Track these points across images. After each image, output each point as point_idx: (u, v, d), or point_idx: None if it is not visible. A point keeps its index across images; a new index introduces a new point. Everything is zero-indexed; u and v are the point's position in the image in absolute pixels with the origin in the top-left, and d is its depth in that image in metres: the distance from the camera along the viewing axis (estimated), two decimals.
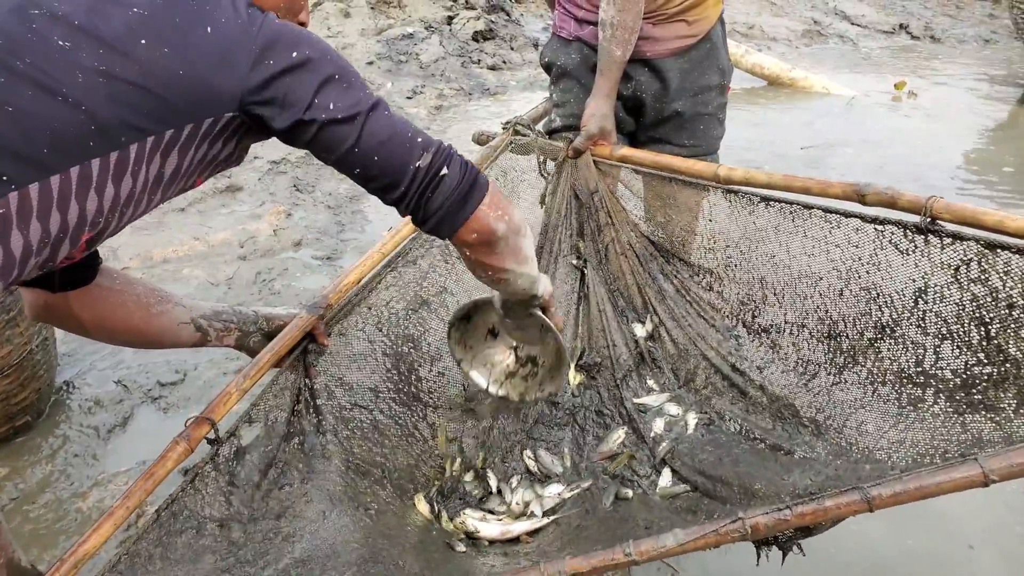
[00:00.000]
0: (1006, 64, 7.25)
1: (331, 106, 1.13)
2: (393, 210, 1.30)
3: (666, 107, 2.22)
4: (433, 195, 1.22)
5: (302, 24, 1.33)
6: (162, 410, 2.66)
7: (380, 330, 1.85)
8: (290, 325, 1.66)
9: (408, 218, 1.33)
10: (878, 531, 2.07)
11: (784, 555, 1.23)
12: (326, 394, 1.70)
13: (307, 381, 1.67)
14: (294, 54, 1.12)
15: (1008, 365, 1.21)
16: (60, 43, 0.99)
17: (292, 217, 4.06)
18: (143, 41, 1.03)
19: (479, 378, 1.84)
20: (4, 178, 0.96)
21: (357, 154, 1.17)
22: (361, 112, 1.15)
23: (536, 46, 7.12)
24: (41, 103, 0.97)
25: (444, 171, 1.22)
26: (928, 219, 1.32)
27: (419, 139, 1.21)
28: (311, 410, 1.66)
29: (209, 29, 1.07)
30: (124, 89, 1.02)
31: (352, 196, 4.31)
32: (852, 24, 8.72)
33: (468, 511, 1.66)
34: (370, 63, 6.29)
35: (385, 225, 3.76)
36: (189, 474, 1.45)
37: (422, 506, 1.66)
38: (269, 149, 4.67)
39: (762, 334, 1.77)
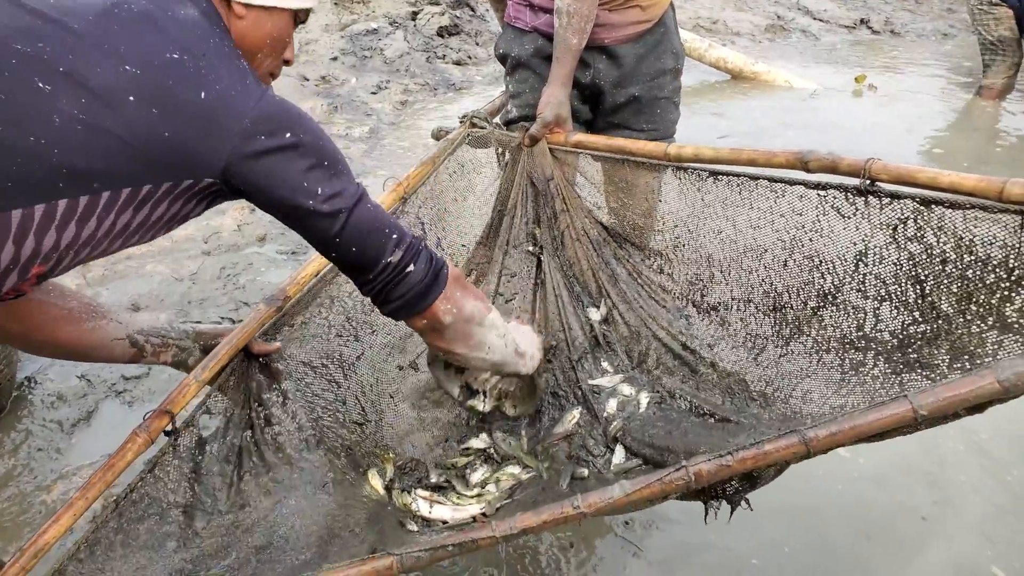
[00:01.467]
0: (963, 58, 7.40)
1: (318, 192, 1.16)
2: None
3: (623, 92, 2.24)
4: (396, 288, 1.30)
5: (287, 62, 1.36)
6: (127, 403, 2.64)
7: (345, 318, 1.87)
8: (248, 318, 1.67)
9: None
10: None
11: (732, 509, 1.24)
12: (285, 381, 1.71)
13: (260, 376, 1.67)
14: (287, 135, 1.12)
15: (940, 321, 1.23)
16: (39, 84, 0.98)
17: (256, 212, 4.03)
18: (131, 98, 1.02)
19: (478, 403, 1.83)
20: None
21: (337, 244, 1.22)
22: (347, 207, 1.19)
23: None
24: (9, 139, 0.96)
25: (410, 268, 1.29)
26: (867, 180, 1.34)
27: (394, 235, 1.27)
28: (268, 398, 1.66)
29: (203, 95, 1.07)
30: (104, 140, 1.01)
31: None
32: (814, 19, 8.85)
33: (419, 491, 1.65)
34: (334, 58, 6.27)
35: None
36: (148, 463, 1.45)
37: (375, 481, 1.66)
38: None
39: (711, 312, 1.80)
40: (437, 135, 2.31)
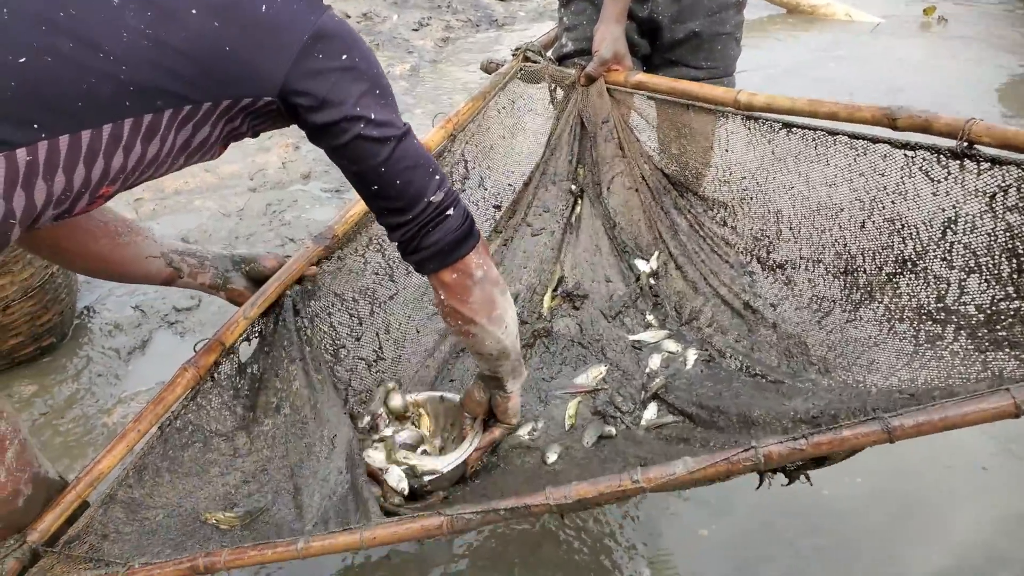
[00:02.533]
0: None
1: (371, 116, 1.13)
2: None
3: (683, 27, 2.13)
4: (432, 232, 1.25)
5: None
6: (178, 334, 2.70)
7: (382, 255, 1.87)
8: (296, 256, 1.68)
9: None
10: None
11: (790, 483, 1.21)
12: (323, 315, 1.72)
13: (302, 306, 1.68)
14: (343, 56, 1.11)
15: None
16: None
17: (300, 150, 4.02)
18: (194, 11, 1.01)
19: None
20: (35, 125, 0.95)
21: (382, 173, 1.19)
22: (395, 134, 1.17)
23: None
24: (80, 57, 0.95)
25: (450, 212, 1.25)
26: (965, 143, 1.24)
27: (437, 176, 1.24)
28: (305, 330, 1.67)
29: (264, 8, 1.05)
30: (168, 55, 1.00)
31: None
32: None
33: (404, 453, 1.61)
34: None
35: None
36: (191, 391, 1.47)
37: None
38: None
39: (776, 270, 1.73)
40: (487, 67, 2.24)
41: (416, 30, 5.75)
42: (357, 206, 1.79)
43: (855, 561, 1.85)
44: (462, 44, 5.68)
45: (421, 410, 1.73)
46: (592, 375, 1.80)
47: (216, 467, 1.45)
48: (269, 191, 3.63)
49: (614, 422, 1.67)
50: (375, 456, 1.56)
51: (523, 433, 1.67)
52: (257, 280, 1.65)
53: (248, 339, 1.61)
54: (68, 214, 1.10)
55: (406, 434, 1.68)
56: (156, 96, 1.02)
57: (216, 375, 1.50)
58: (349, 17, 5.67)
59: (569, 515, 1.94)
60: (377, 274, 1.86)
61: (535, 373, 1.84)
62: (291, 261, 1.66)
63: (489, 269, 1.35)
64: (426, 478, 1.51)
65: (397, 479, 1.49)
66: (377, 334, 1.84)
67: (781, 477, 1.22)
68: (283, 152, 3.96)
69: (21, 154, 0.95)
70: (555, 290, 1.98)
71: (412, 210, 1.23)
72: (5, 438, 1.21)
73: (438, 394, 1.74)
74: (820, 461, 1.12)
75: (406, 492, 1.48)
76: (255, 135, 1.23)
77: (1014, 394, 0.85)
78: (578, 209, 2.04)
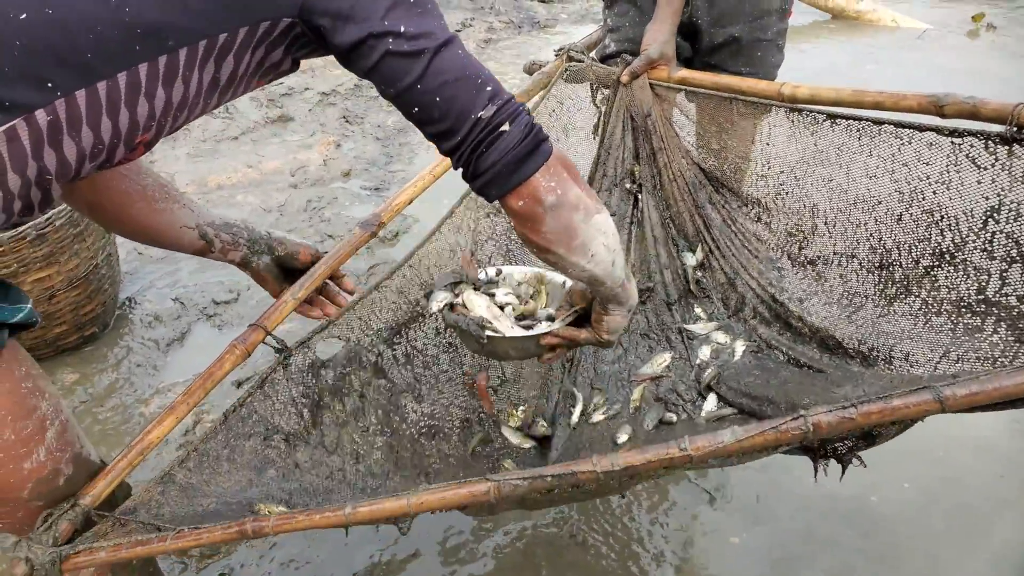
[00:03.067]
0: None
1: (401, 30, 1.02)
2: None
3: (722, 32, 2.13)
4: (488, 151, 1.11)
5: None
6: (216, 327, 2.74)
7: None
8: (344, 242, 1.68)
9: None
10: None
11: (843, 468, 1.20)
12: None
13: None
14: None
15: None
16: None
17: (341, 148, 4.07)
18: None
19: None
20: (49, 84, 0.92)
21: (419, 91, 1.06)
22: (430, 47, 1.04)
23: None
24: (81, 4, 0.92)
25: (505, 127, 1.10)
26: (1014, 127, 1.22)
27: (488, 87, 1.09)
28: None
29: None
30: None
31: (400, 128, 4.30)
32: None
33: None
34: None
35: (432, 158, 3.74)
36: (258, 379, 1.48)
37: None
38: (319, 80, 4.66)
39: (807, 266, 1.72)
40: (530, 69, 2.24)
41: (459, 31, 5.79)
42: (403, 195, 1.80)
43: (900, 567, 1.82)
44: (504, 45, 5.71)
45: (543, 287, 1.66)
46: (657, 363, 1.83)
47: (273, 468, 1.44)
48: (310, 188, 3.68)
49: (676, 409, 1.70)
50: (470, 298, 1.51)
51: (598, 415, 1.71)
52: (285, 268, 1.61)
53: (327, 336, 1.62)
54: (109, 164, 1.07)
55: (503, 292, 1.61)
56: (167, 35, 0.97)
57: (288, 365, 1.50)
58: None
59: (597, 520, 1.94)
60: None
61: (608, 367, 1.85)
62: (338, 246, 1.67)
63: (566, 192, 1.17)
64: (487, 332, 1.42)
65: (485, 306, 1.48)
66: None
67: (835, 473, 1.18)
68: (325, 150, 4.01)
69: (40, 115, 0.93)
70: None
71: (460, 131, 1.10)
72: (46, 419, 1.20)
73: (560, 279, 1.64)
74: (871, 440, 1.10)
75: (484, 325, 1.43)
76: (295, 65, 1.17)
77: None
78: (640, 205, 2.05)
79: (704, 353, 1.79)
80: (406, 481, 1.53)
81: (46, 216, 2.24)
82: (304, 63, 1.22)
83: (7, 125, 0.92)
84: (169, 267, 3.04)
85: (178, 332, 2.71)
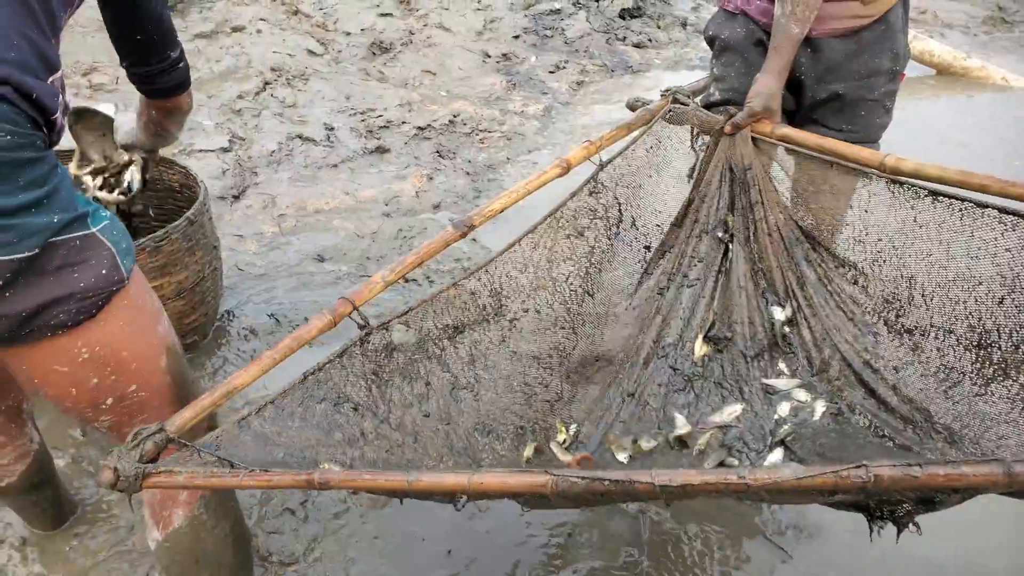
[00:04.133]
0: None
1: None
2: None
3: (826, 88, 2.14)
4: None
5: None
6: (307, 344, 2.85)
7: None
8: (436, 237, 1.79)
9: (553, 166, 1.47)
10: None
11: (899, 532, 1.19)
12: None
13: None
14: None
15: None
16: None
17: (433, 180, 4.21)
18: None
19: None
20: None
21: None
22: None
23: (684, 25, 6.97)
24: None
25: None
26: None
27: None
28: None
29: None
30: None
31: (489, 164, 4.42)
32: None
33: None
34: (516, 37, 6.35)
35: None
36: (341, 348, 1.57)
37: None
38: (416, 115, 4.83)
39: (904, 335, 1.73)
40: (633, 105, 2.30)
41: (552, 72, 5.91)
42: (497, 202, 1.88)
43: None
44: (595, 88, 5.79)
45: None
46: (728, 412, 1.85)
47: (340, 432, 1.51)
48: (401, 217, 3.81)
49: (739, 456, 1.72)
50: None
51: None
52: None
53: (408, 325, 1.70)
54: None
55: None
56: None
57: (366, 342, 1.59)
58: (490, 57, 5.90)
59: (668, 569, 1.94)
60: None
61: (680, 412, 1.89)
62: (431, 242, 1.77)
63: None
64: None
65: None
66: None
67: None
68: (418, 182, 4.16)
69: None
70: (707, 336, 2.02)
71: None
72: (159, 309, 1.46)
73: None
74: (931, 505, 1.09)
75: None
76: None
77: None
78: (730, 255, 2.08)
79: (783, 409, 1.81)
80: (459, 467, 1.61)
81: (164, 230, 2.40)
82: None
83: None
84: (267, 284, 3.20)
85: (271, 346, 2.84)
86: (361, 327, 1.58)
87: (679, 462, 1.71)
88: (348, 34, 5.78)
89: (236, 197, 3.82)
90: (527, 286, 1.94)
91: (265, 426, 1.41)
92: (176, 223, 2.43)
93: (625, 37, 6.66)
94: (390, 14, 6.11)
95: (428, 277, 3.29)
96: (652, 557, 1.98)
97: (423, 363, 1.70)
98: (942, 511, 1.15)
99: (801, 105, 2.23)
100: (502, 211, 1.94)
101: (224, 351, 2.81)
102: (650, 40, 6.73)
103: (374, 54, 5.65)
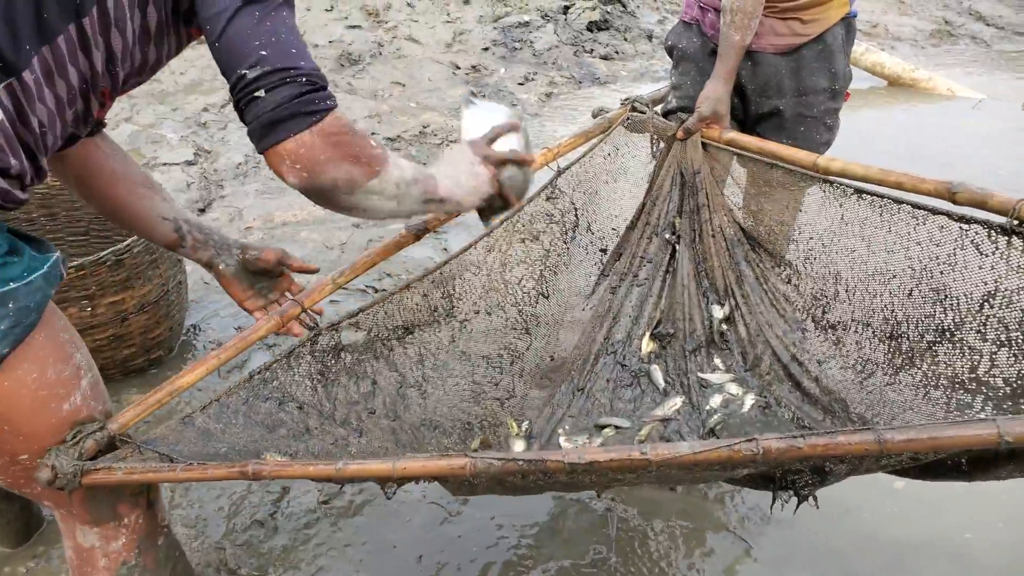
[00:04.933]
0: None
1: None
2: None
3: (767, 103, 2.22)
4: (246, 111, 1.14)
5: None
6: (274, 357, 2.89)
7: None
8: (390, 239, 1.81)
9: None
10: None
11: (799, 503, 1.24)
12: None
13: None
14: None
15: None
16: None
17: None
18: None
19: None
20: (27, 47, 1.07)
21: (209, 30, 1.14)
22: (240, 3, 1.10)
23: (650, 38, 7.11)
24: None
25: (260, 93, 1.11)
26: (1015, 221, 1.31)
27: (265, 51, 1.10)
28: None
29: None
30: None
31: None
32: (987, 25, 8.20)
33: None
34: (485, 49, 6.44)
35: None
36: (288, 349, 1.60)
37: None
38: (386, 126, 4.88)
39: (828, 330, 1.79)
40: (596, 114, 2.37)
41: (521, 84, 6.00)
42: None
43: None
44: (564, 100, 5.89)
45: None
46: (669, 406, 1.92)
47: (285, 428, 1.53)
48: (371, 228, 3.83)
49: None
50: None
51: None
52: (252, 271, 1.68)
53: (358, 326, 1.73)
54: (87, 118, 1.23)
55: None
56: None
57: (314, 343, 1.62)
58: (459, 68, 5.97)
59: (635, 563, 2.01)
60: None
61: (626, 405, 1.95)
62: (382, 244, 1.80)
63: (313, 173, 1.16)
64: None
65: None
66: None
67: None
68: None
69: (27, 75, 1.07)
70: (653, 333, 2.10)
71: (230, 82, 1.14)
72: (81, 368, 1.30)
73: None
74: (823, 477, 1.14)
75: None
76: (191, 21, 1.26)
77: (999, 425, 0.89)
78: (677, 256, 2.15)
79: (715, 401, 1.88)
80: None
81: (126, 243, 2.43)
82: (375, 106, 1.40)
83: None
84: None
85: (238, 360, 2.83)
86: (309, 328, 1.62)
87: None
88: (316, 46, 5.80)
89: (202, 210, 3.84)
90: (479, 288, 1.99)
91: (209, 423, 1.43)
92: (137, 236, 2.45)
93: (592, 49, 6.77)
94: (359, 26, 6.16)
95: (377, 286, 3.30)
96: (620, 553, 2.01)
97: (371, 363, 1.74)
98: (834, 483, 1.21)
99: (747, 118, 2.31)
100: (457, 215, 1.95)
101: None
102: (617, 52, 6.85)
103: (343, 66, 5.70)
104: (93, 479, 1.20)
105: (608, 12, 7.22)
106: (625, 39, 7.04)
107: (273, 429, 1.50)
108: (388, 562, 2.02)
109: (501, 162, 1.48)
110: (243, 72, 1.11)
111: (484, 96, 2.25)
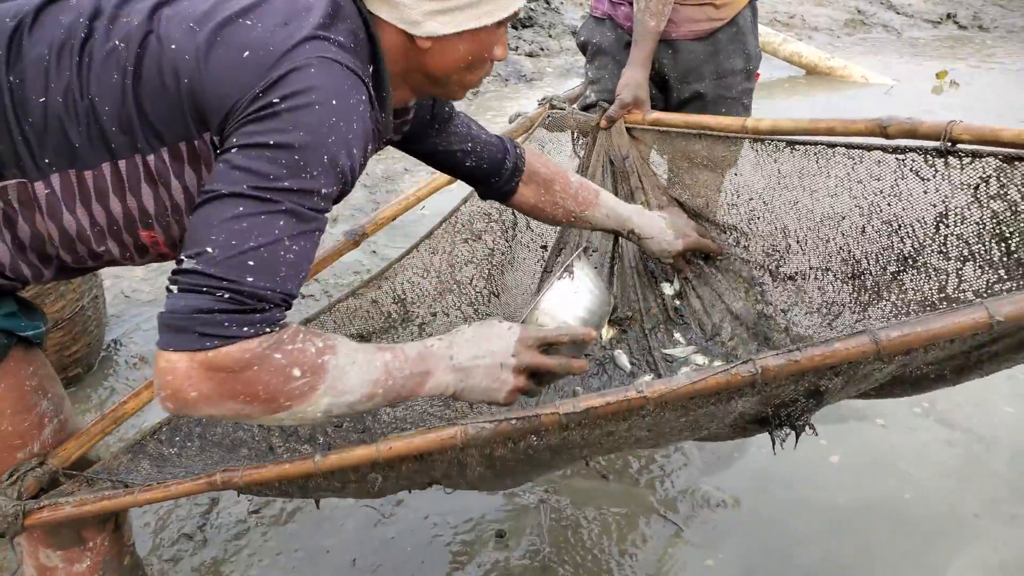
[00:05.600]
0: None
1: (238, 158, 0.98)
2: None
3: (688, 88, 2.25)
4: (166, 300, 1.00)
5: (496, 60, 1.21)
6: None
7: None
8: (327, 248, 1.78)
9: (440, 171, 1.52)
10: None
11: (797, 436, 1.20)
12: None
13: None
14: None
15: None
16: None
17: None
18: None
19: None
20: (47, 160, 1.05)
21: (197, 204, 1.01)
22: (220, 190, 0.97)
23: (575, 34, 7.15)
24: (73, 99, 1.03)
25: (174, 289, 0.98)
26: (948, 142, 1.32)
27: (214, 248, 0.95)
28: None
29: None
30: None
31: (387, 176, 4.39)
32: (897, 14, 8.57)
33: None
34: None
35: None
36: None
37: None
38: None
39: (787, 281, 1.80)
40: (514, 119, 2.35)
41: None
42: (388, 210, 1.89)
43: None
44: (491, 97, 5.87)
45: None
46: (641, 383, 1.86)
47: (246, 448, 1.45)
48: None
49: None
50: None
51: None
52: None
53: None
54: (123, 254, 1.17)
55: None
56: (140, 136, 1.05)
57: None
58: None
59: (568, 552, 1.98)
60: None
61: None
62: (324, 253, 1.75)
63: (190, 402, 0.99)
64: None
65: None
66: None
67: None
68: None
69: (39, 186, 1.05)
70: (611, 320, 2.06)
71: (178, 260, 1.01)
72: (45, 415, 1.27)
73: None
74: (819, 398, 1.11)
75: None
76: None
77: (987, 307, 0.88)
78: (620, 241, 2.13)
79: (684, 373, 1.84)
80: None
81: None
82: None
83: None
84: (156, 310, 3.04)
85: None
86: None
87: None
88: None
89: None
90: (432, 291, 1.95)
91: (162, 448, 1.36)
92: None
93: (518, 47, 6.78)
94: None
95: (327, 292, 3.24)
96: (553, 544, 1.99)
97: None
98: (831, 403, 1.15)
99: (669, 105, 2.33)
100: (394, 218, 1.96)
101: (111, 381, 2.68)
102: (542, 49, 6.87)
103: None
104: (38, 518, 1.14)
105: (532, 9, 7.25)
106: (550, 36, 7.08)
107: (233, 450, 1.42)
108: (322, 567, 1.97)
109: (536, 372, 1.22)
110: (182, 257, 0.98)
111: (593, 252, 2.07)
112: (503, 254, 2.11)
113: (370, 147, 1.16)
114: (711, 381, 0.94)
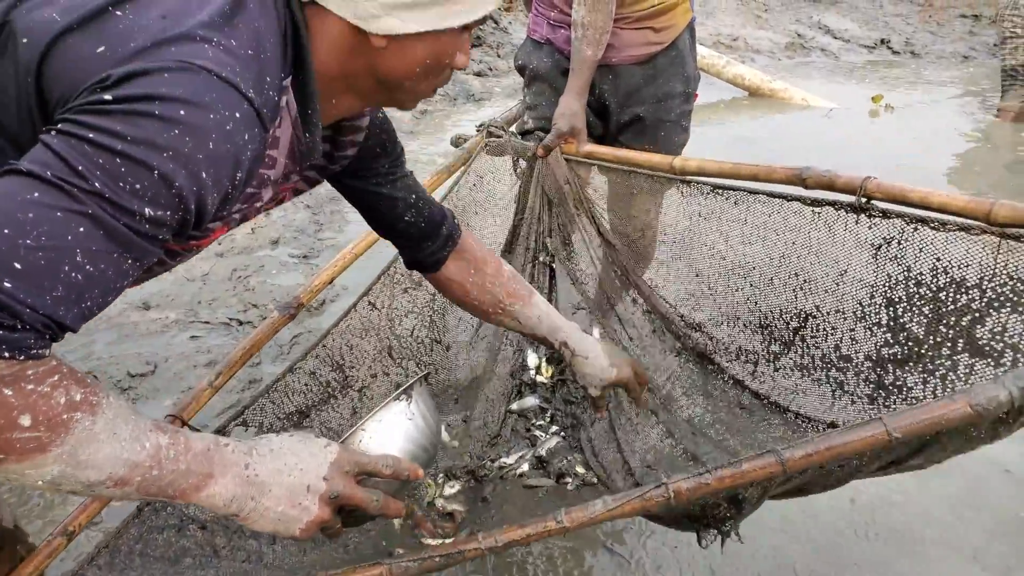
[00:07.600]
0: (983, 80, 7.37)
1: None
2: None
3: (628, 112, 2.25)
4: None
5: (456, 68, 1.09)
6: (131, 400, 2.67)
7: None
8: (262, 325, 1.71)
9: None
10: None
11: (723, 540, 1.22)
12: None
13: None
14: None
15: (911, 344, 1.24)
16: None
17: (271, 215, 4.08)
18: None
19: None
20: None
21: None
22: (37, 171, 0.77)
23: None
24: None
25: None
26: (863, 199, 1.34)
27: (23, 269, 0.75)
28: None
29: None
30: None
31: (332, 197, 4.34)
32: (835, 38, 8.85)
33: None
34: None
35: (363, 226, 3.80)
36: None
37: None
38: None
39: (697, 329, 1.82)
40: (456, 142, 2.36)
41: None
42: (324, 274, 1.84)
43: None
44: (440, 117, 5.86)
45: None
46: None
47: (190, 557, 1.38)
48: (236, 256, 3.66)
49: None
50: None
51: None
52: None
53: (246, 424, 1.60)
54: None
55: None
56: None
57: None
58: None
59: None
60: None
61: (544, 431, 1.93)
62: (255, 332, 1.70)
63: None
64: None
65: None
66: None
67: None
68: (253, 220, 4.02)
69: None
70: (548, 358, 2.09)
71: None
72: None
73: None
74: (739, 506, 1.13)
75: None
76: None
77: (886, 423, 0.90)
78: (555, 276, 2.14)
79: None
80: (323, 555, 1.52)
81: None
82: None
83: None
84: (83, 338, 2.96)
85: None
86: None
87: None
88: None
89: None
90: (371, 351, 1.90)
91: (102, 575, 1.28)
92: None
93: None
94: None
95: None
96: None
97: None
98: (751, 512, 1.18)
99: (608, 130, 2.34)
100: (331, 281, 1.91)
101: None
102: (490, 69, 6.90)
103: None
104: None
105: (481, 29, 7.28)
106: (498, 55, 7.12)
107: (177, 561, 1.35)
108: None
109: (345, 508, 1.05)
110: None
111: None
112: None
113: (260, 173, 1.02)
114: (627, 507, 0.99)
